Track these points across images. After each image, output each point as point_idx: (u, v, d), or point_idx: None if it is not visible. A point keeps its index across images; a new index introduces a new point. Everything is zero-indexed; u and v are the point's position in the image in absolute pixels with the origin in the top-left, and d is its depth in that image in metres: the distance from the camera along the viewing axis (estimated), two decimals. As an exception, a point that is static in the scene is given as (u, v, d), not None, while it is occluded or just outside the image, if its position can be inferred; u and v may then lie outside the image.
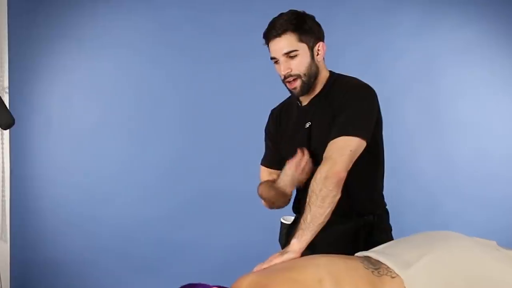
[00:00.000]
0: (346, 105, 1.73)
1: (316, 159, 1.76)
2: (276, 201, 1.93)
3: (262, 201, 1.99)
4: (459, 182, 3.60)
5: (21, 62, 3.44)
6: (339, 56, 3.50)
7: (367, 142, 1.70)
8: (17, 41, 3.44)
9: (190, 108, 3.56)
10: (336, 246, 1.75)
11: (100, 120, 3.53)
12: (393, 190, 3.44)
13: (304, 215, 1.59)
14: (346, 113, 1.71)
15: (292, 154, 1.86)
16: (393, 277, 1.42)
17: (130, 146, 3.55)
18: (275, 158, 2.02)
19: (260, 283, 1.41)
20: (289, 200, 1.97)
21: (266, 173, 2.05)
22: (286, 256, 1.56)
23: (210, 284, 1.55)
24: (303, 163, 1.80)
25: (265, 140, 2.08)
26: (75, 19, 3.52)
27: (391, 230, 1.95)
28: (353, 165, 1.67)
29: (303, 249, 1.58)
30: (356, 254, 1.60)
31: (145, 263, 3.47)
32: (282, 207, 1.99)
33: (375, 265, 1.46)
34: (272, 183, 1.93)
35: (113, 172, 3.52)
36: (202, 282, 1.55)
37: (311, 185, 1.62)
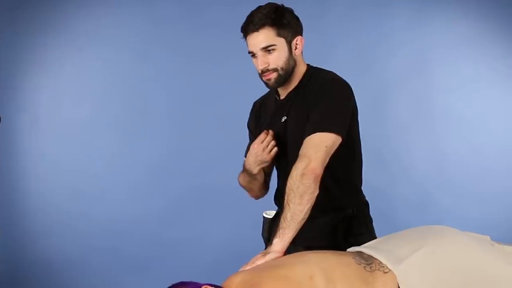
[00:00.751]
0: (320, 101, 1.74)
1: (292, 154, 1.77)
2: (253, 187, 1.96)
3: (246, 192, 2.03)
4: (452, 177, 3.60)
5: (7, 58, 3.42)
6: (333, 50, 3.51)
7: (342, 137, 1.70)
8: (3, 38, 3.41)
9: (181, 106, 3.55)
10: (315, 239, 1.77)
11: (89, 118, 3.51)
12: (386, 185, 3.50)
13: (284, 214, 1.60)
14: (320, 109, 1.72)
15: None
16: (385, 272, 1.41)
17: (120, 144, 3.53)
18: None
19: (250, 281, 1.40)
20: (266, 187, 2.01)
21: None
22: (268, 257, 1.56)
23: (201, 282, 1.54)
24: (265, 143, 1.83)
25: (249, 135, 2.09)
26: (63, 15, 3.49)
27: (372, 221, 1.95)
28: (329, 163, 1.68)
29: (286, 248, 1.59)
30: (348, 250, 1.59)
31: (136, 261, 3.45)
32: (261, 195, 2.02)
33: (368, 261, 1.46)
34: None
35: (102, 170, 3.51)
36: (194, 280, 1.54)
37: (288, 183, 1.63)
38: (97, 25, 3.50)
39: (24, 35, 3.44)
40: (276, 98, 1.91)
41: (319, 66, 1.90)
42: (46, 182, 3.48)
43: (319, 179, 1.62)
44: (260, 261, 1.55)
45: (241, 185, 2.00)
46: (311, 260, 1.44)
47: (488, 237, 1.60)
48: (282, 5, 1.79)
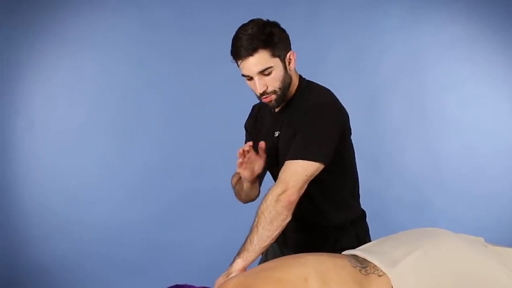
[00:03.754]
0: (306, 126, 1.70)
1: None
2: (242, 194, 1.95)
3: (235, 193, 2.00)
4: (446, 178, 3.61)
5: (3, 61, 3.40)
6: (325, 52, 3.51)
7: (326, 164, 1.68)
8: (-3, 41, 3.40)
9: (176, 109, 3.55)
10: (307, 246, 1.76)
11: (84, 121, 3.50)
12: (380, 186, 3.50)
13: (251, 236, 1.60)
14: (305, 135, 1.69)
15: (266, 161, 1.89)
16: (380, 276, 1.41)
17: (114, 147, 3.53)
18: None
19: (244, 283, 1.40)
20: (257, 192, 1.98)
21: None
22: (231, 276, 1.54)
23: (197, 285, 1.54)
24: (244, 164, 1.80)
25: (245, 135, 2.08)
26: (59, 18, 3.48)
27: (366, 232, 1.95)
28: (318, 182, 1.68)
29: (247, 267, 1.59)
30: (343, 252, 1.59)
31: (131, 264, 3.44)
32: (249, 200, 2.00)
33: (362, 264, 1.46)
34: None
35: (97, 174, 3.50)
36: (189, 283, 1.54)
37: (261, 205, 1.63)
38: (91, 29, 3.50)
39: (18, 39, 3.42)
40: (271, 109, 1.88)
41: (310, 79, 1.87)
42: (41, 185, 3.47)
43: (293, 205, 1.62)
44: (223, 282, 1.52)
45: (233, 186, 1.99)
46: (307, 262, 1.44)
47: (482, 239, 1.60)
48: (268, 21, 1.73)
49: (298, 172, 1.64)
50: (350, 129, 1.84)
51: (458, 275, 1.41)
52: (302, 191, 1.65)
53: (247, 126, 2.06)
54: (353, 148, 1.89)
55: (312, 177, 1.66)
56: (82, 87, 3.51)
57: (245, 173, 1.81)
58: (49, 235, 3.47)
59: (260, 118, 1.99)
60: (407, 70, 3.63)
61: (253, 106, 2.06)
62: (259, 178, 2.00)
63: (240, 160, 1.77)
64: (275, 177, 1.92)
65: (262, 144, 1.77)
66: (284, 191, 1.61)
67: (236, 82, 3.42)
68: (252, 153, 1.79)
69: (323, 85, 1.86)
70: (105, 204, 3.48)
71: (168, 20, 3.51)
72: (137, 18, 3.52)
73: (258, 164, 1.82)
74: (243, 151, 1.76)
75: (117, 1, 3.52)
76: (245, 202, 2.01)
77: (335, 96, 1.81)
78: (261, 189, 1.97)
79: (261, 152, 1.80)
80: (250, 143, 1.79)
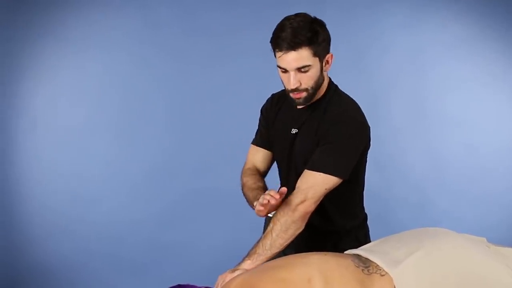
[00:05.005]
0: (332, 138, 1.70)
1: (296, 166, 1.78)
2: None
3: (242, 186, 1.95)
4: (448, 178, 3.60)
5: (4, 62, 3.40)
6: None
7: (344, 180, 1.70)
8: (0, 41, 3.39)
9: (178, 108, 3.55)
10: (308, 246, 1.77)
11: (86, 121, 3.50)
12: (382, 187, 3.50)
13: (264, 241, 1.62)
14: (330, 148, 1.69)
15: (276, 153, 1.92)
16: (382, 275, 1.42)
17: (117, 147, 3.53)
18: (265, 139, 2.00)
19: (248, 282, 1.41)
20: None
21: (253, 153, 2.02)
22: (237, 273, 1.56)
23: (199, 285, 1.54)
24: (265, 206, 1.68)
25: (260, 120, 2.02)
26: (60, 19, 3.48)
27: (366, 234, 1.96)
28: (330, 195, 1.69)
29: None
30: (346, 252, 1.60)
31: (134, 264, 3.44)
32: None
33: (365, 263, 1.46)
34: (257, 181, 1.90)
35: (100, 174, 3.50)
36: (191, 283, 1.55)
37: (277, 213, 1.64)
38: (93, 29, 3.49)
39: (19, 40, 3.42)
40: (292, 104, 1.84)
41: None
42: (44, 185, 3.47)
43: (308, 216, 1.65)
44: (228, 277, 1.54)
45: (242, 185, 1.95)
46: (311, 262, 1.45)
47: (485, 239, 1.61)
48: (315, 18, 1.72)
49: (318, 184, 1.65)
50: (369, 145, 1.84)
51: (460, 275, 1.41)
52: (318, 201, 1.67)
53: (263, 112, 2.01)
54: (366, 161, 1.89)
55: (330, 190, 1.68)
56: (84, 87, 3.51)
57: (260, 214, 1.70)
58: (51, 235, 3.47)
59: (278, 109, 1.95)
60: (408, 69, 3.63)
61: (273, 95, 2.01)
62: (266, 170, 2.01)
63: (265, 202, 1.61)
64: (282, 172, 1.93)
65: (284, 190, 1.66)
66: (302, 202, 1.63)
67: (239, 82, 3.46)
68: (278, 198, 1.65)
69: None
70: (108, 203, 3.48)
71: (171, 20, 3.51)
72: (140, 18, 3.52)
73: (275, 208, 1.72)
74: (280, 194, 1.62)
75: (119, 0, 3.52)
76: None
77: (361, 110, 1.82)
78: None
79: (281, 197, 1.65)
80: (284, 189, 1.63)
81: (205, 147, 3.49)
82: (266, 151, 1.99)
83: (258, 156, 2.00)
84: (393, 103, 3.63)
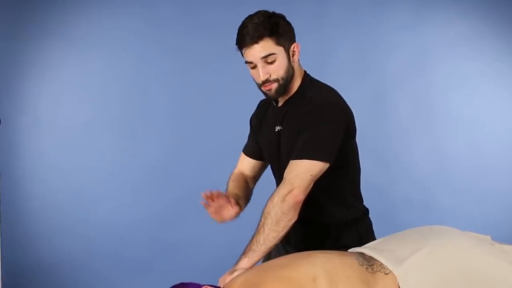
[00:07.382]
0: (310, 126, 1.71)
1: (285, 163, 1.77)
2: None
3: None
4: (453, 176, 3.60)
5: (8, 60, 3.41)
6: (332, 50, 3.50)
7: (330, 163, 1.69)
8: (3, 39, 3.40)
9: (181, 107, 3.55)
10: (309, 243, 1.79)
11: (89, 120, 3.50)
12: (386, 185, 3.49)
13: (257, 236, 1.61)
14: (310, 135, 1.69)
15: (266, 153, 1.95)
16: (386, 274, 1.41)
17: (120, 146, 3.53)
18: (254, 148, 2.04)
19: (252, 281, 1.41)
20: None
21: (242, 160, 2.10)
22: (236, 273, 1.55)
23: (202, 283, 1.54)
24: (211, 208, 1.90)
25: (250, 129, 2.09)
26: (63, 16, 3.48)
27: (369, 229, 1.94)
28: (318, 180, 1.68)
29: (252, 265, 1.60)
30: (350, 250, 1.59)
31: (137, 263, 3.45)
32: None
33: (369, 262, 1.46)
34: (235, 188, 2.01)
35: (103, 172, 3.50)
36: (194, 281, 1.54)
37: (267, 206, 1.64)
38: (96, 27, 3.49)
39: (23, 37, 3.42)
40: (274, 104, 1.90)
41: (316, 78, 1.87)
42: (47, 184, 3.47)
43: (299, 205, 1.63)
44: (228, 279, 1.54)
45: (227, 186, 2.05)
46: (315, 261, 1.44)
47: (489, 237, 1.60)
48: (274, 12, 1.77)
49: (303, 172, 1.64)
50: (355, 129, 1.84)
51: (464, 273, 1.41)
52: (308, 190, 1.65)
53: (251, 121, 2.07)
54: (357, 147, 1.88)
55: (318, 177, 1.66)
56: (87, 85, 3.52)
57: (214, 216, 1.88)
58: (54, 234, 3.47)
59: (265, 114, 1.99)
60: (414, 68, 3.62)
61: (260, 102, 2.06)
62: (256, 177, 2.07)
63: (206, 202, 1.82)
64: (275, 173, 1.94)
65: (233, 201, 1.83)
66: (289, 192, 1.61)
67: (242, 80, 3.41)
68: (223, 200, 1.84)
69: (329, 84, 1.86)
70: (111, 202, 3.48)
71: (174, 18, 3.51)
72: (143, 16, 3.52)
73: (229, 214, 1.89)
74: (211, 194, 1.81)
75: (122, -1, 3.53)
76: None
77: (339, 95, 1.81)
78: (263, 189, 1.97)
79: (232, 203, 1.84)
80: (221, 192, 1.83)
81: (208, 146, 3.49)
82: (254, 160, 2.05)
83: (245, 163, 2.08)
84: (398, 101, 3.62)
